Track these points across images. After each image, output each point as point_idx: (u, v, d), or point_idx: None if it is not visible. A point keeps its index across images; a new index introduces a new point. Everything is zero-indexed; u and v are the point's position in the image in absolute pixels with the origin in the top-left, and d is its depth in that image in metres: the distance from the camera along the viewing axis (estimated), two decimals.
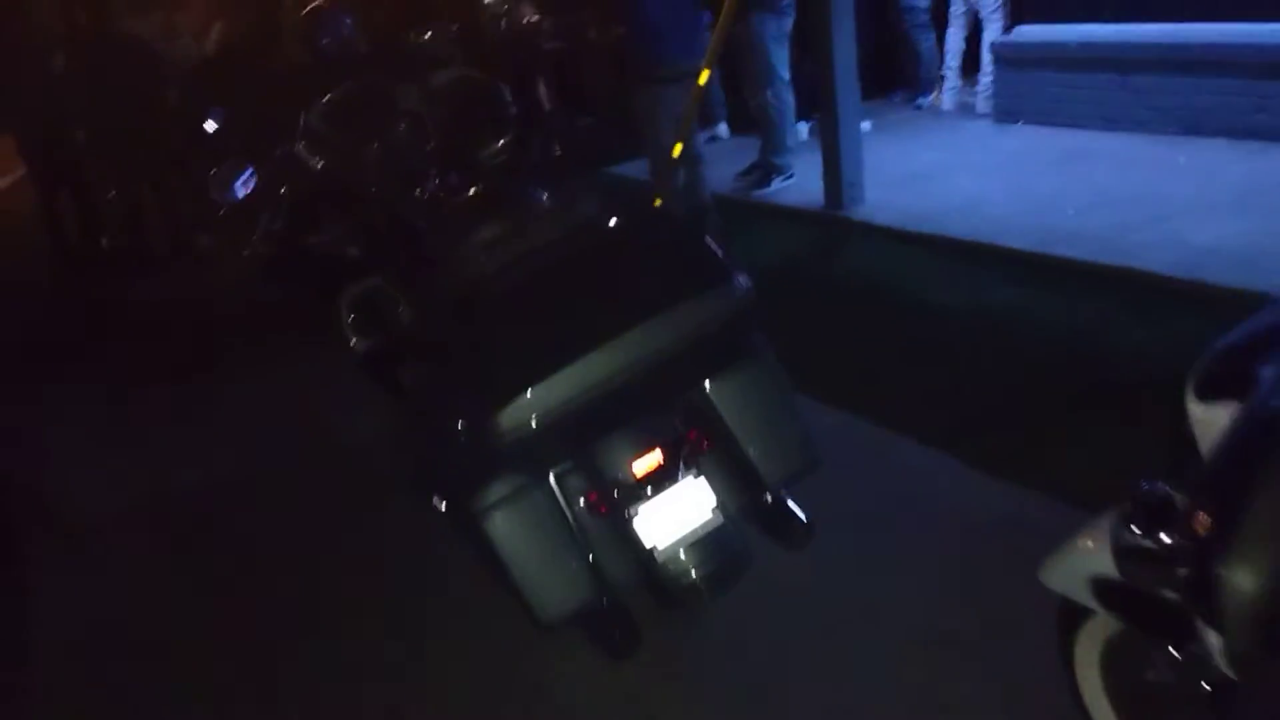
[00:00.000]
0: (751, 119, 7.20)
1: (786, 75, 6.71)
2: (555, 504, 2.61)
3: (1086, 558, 1.83)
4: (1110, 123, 6.91)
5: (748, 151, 7.33)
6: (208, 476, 4.51)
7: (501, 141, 3.72)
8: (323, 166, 3.64)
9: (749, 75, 6.73)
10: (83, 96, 7.46)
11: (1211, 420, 1.42)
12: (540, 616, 2.54)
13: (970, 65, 8.20)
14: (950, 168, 6.79)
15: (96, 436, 5.17)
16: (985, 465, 3.57)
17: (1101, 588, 1.79)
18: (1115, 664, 2.04)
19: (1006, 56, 7.59)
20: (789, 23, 6.62)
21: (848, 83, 6.10)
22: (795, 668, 2.85)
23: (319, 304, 3.70)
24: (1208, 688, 1.69)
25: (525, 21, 8.36)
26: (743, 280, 2.52)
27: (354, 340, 3.40)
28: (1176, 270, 4.61)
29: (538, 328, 2.44)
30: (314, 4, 5.68)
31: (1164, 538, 1.35)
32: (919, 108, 8.55)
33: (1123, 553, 1.42)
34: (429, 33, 5.18)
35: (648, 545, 2.56)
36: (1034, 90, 7.41)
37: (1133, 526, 1.38)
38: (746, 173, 7.16)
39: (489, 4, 8.35)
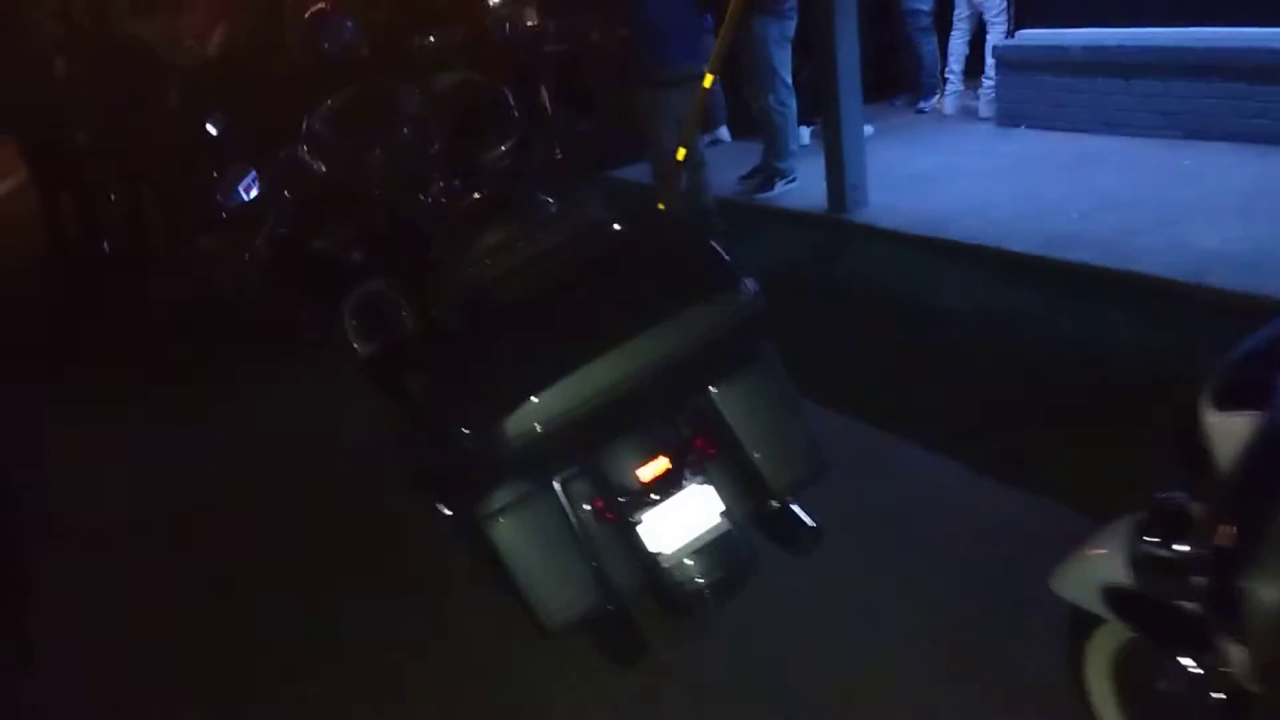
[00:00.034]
0: (753, 122, 7.19)
1: (789, 79, 6.70)
2: (560, 510, 2.59)
3: (1098, 566, 1.81)
4: (1113, 127, 6.91)
5: (749, 155, 7.32)
6: (208, 479, 4.50)
7: (505, 145, 3.70)
8: (326, 170, 3.62)
9: (751, 79, 6.71)
10: (83, 99, 7.46)
11: (1229, 430, 1.40)
12: (546, 622, 2.53)
13: (972, 69, 8.19)
14: (953, 171, 6.78)
15: (97, 438, 5.16)
16: (990, 470, 3.56)
17: (1114, 596, 1.78)
18: (1126, 673, 2.02)
19: (1009, 60, 7.58)
20: (791, 26, 6.61)
21: (850, 86, 6.09)
22: (801, 673, 2.83)
23: (321, 308, 3.68)
24: (1221, 697, 1.67)
25: (527, 25, 8.36)
26: (750, 285, 2.51)
27: (357, 344, 3.39)
28: (1182, 274, 4.60)
29: (544, 333, 2.42)
30: (316, 7, 5.65)
31: (1180, 548, 1.34)
32: (921, 112, 8.54)
33: (1139, 562, 1.41)
34: (432, 36, 5.17)
35: (653, 551, 2.54)
36: (1037, 94, 7.41)
37: (1149, 536, 1.37)
38: (749, 176, 7.16)
39: (493, 6, 8.34)
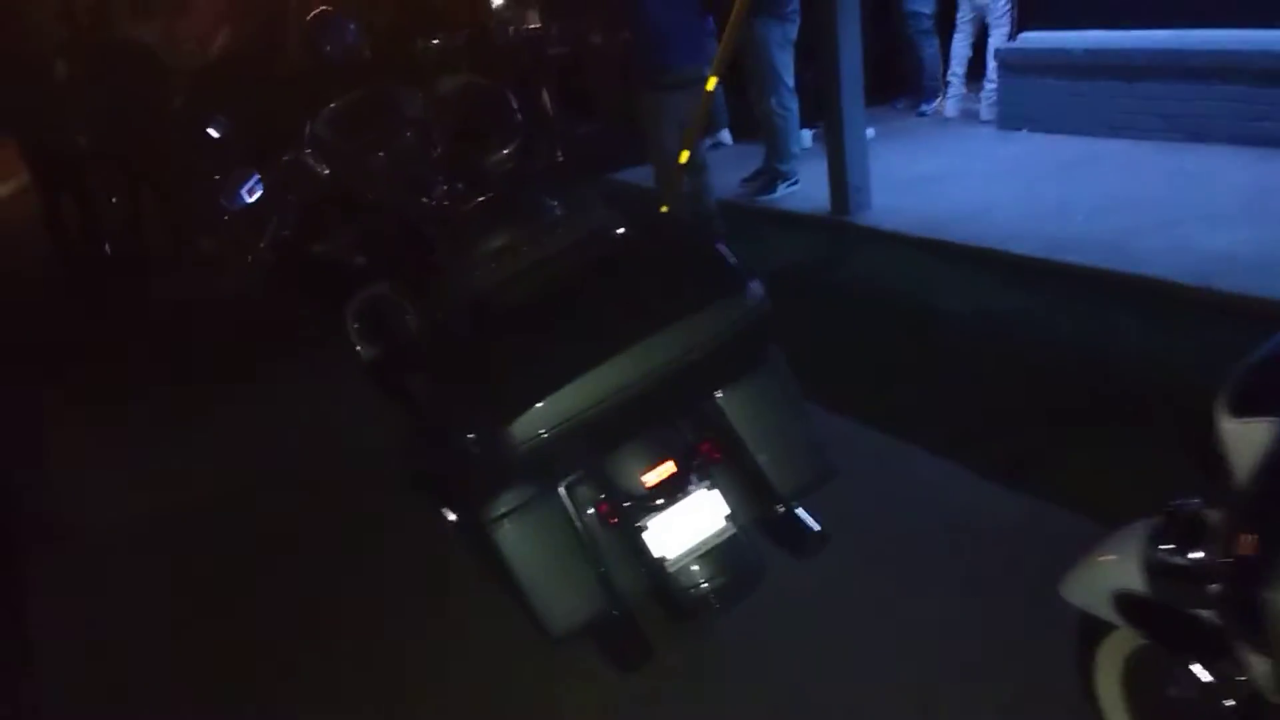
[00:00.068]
0: (755, 125, 7.18)
1: (791, 81, 6.69)
2: (566, 514, 2.58)
3: (1110, 573, 1.80)
4: (1115, 129, 6.90)
5: (751, 158, 7.32)
6: (208, 479, 4.50)
7: (508, 148, 3.69)
8: (328, 173, 3.61)
9: (754, 81, 6.71)
10: (84, 101, 7.45)
11: (1246, 436, 1.39)
12: (551, 628, 2.51)
13: (974, 72, 8.18)
14: (956, 174, 6.77)
15: (97, 439, 5.15)
16: (995, 474, 3.55)
17: (1125, 603, 1.76)
18: (1137, 679, 2.01)
19: (1011, 63, 7.58)
20: (793, 29, 6.60)
21: (853, 88, 6.09)
22: (806, 677, 2.82)
23: (324, 311, 3.68)
24: (1232, 704, 1.66)
25: (529, 27, 8.36)
26: (757, 289, 2.49)
27: (359, 347, 3.39)
28: (1186, 277, 4.59)
29: (549, 337, 2.41)
30: (318, 10, 5.64)
31: (1196, 555, 1.33)
32: (923, 114, 8.54)
33: (1153, 569, 1.40)
34: (435, 39, 5.16)
35: (658, 556, 2.53)
36: (1039, 97, 7.41)
37: (1164, 544, 1.35)
38: (751, 179, 7.15)
39: (497, 9, 8.34)
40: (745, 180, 7.19)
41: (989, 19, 7.75)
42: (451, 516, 2.85)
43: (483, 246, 2.83)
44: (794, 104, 6.76)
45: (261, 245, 3.67)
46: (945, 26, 8.25)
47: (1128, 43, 6.77)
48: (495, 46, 8.15)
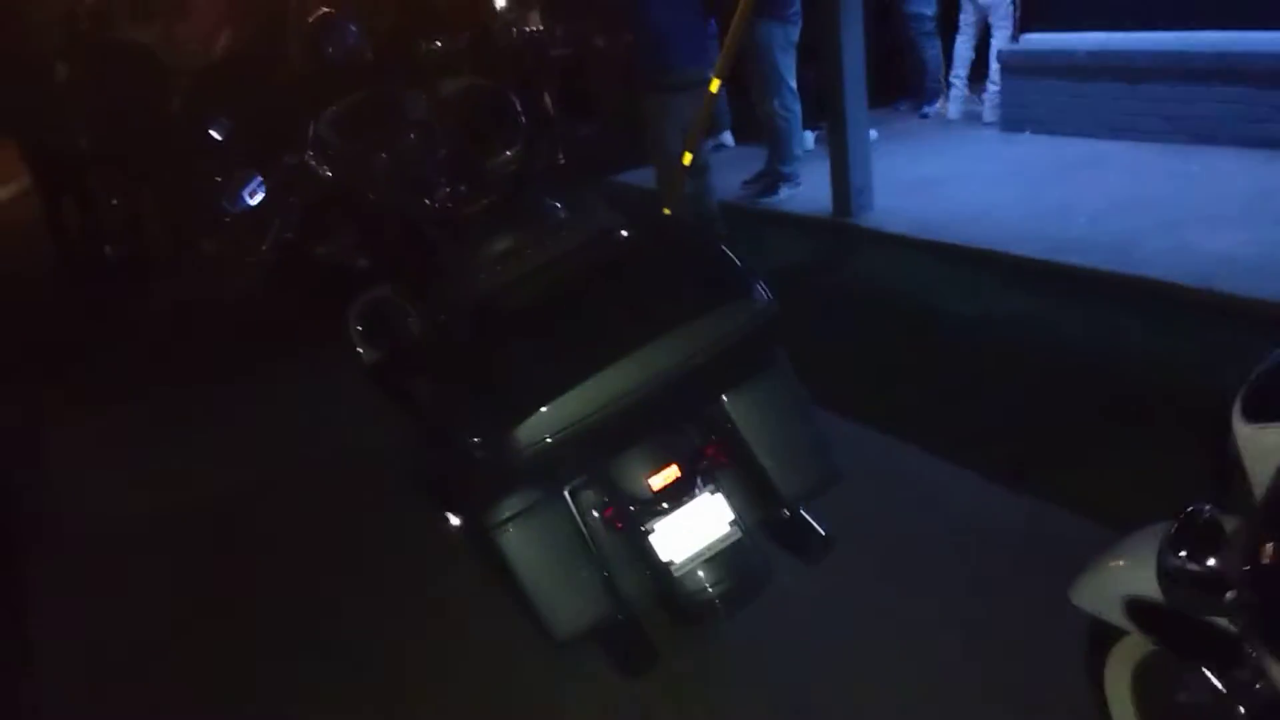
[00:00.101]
0: (757, 127, 7.17)
1: (794, 83, 6.68)
2: (570, 519, 2.56)
3: (1120, 578, 1.79)
4: (1118, 132, 6.89)
5: (753, 160, 7.31)
6: (208, 482, 4.49)
7: (511, 151, 3.68)
8: (331, 175, 3.60)
9: (756, 83, 6.69)
10: (85, 103, 7.44)
11: (1263, 442, 1.37)
12: (555, 632, 2.50)
13: (976, 73, 8.17)
14: (959, 176, 6.76)
15: (97, 440, 5.15)
16: (999, 477, 3.54)
17: (1136, 609, 1.75)
18: (1146, 685, 1.99)
19: (1014, 65, 7.56)
20: (796, 31, 6.59)
21: (856, 90, 6.08)
22: (811, 680, 2.81)
23: (326, 313, 3.66)
24: (1244, 711, 1.64)
25: (530, 29, 8.34)
26: (764, 291, 2.48)
27: (362, 350, 3.37)
28: (1189, 279, 4.58)
29: (554, 341, 2.40)
30: (320, 12, 5.63)
31: (1212, 562, 1.31)
32: (924, 116, 8.52)
33: (1169, 576, 1.38)
34: (439, 41, 5.14)
35: (664, 560, 2.51)
36: (1041, 99, 7.39)
37: (1179, 550, 1.34)
38: (753, 181, 7.14)
39: (500, 11, 8.32)
40: (747, 182, 7.17)
41: (992, 20, 7.73)
42: (455, 520, 2.84)
43: (487, 249, 2.82)
44: (796, 106, 6.75)
45: (263, 247, 3.66)
46: (946, 28, 8.23)
47: (1130, 44, 6.76)
48: (498, 48, 8.13)
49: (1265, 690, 1.48)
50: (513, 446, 2.25)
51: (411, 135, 3.67)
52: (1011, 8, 7.56)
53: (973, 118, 8.13)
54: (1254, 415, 1.42)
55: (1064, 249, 5.18)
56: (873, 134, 6.70)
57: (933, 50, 8.38)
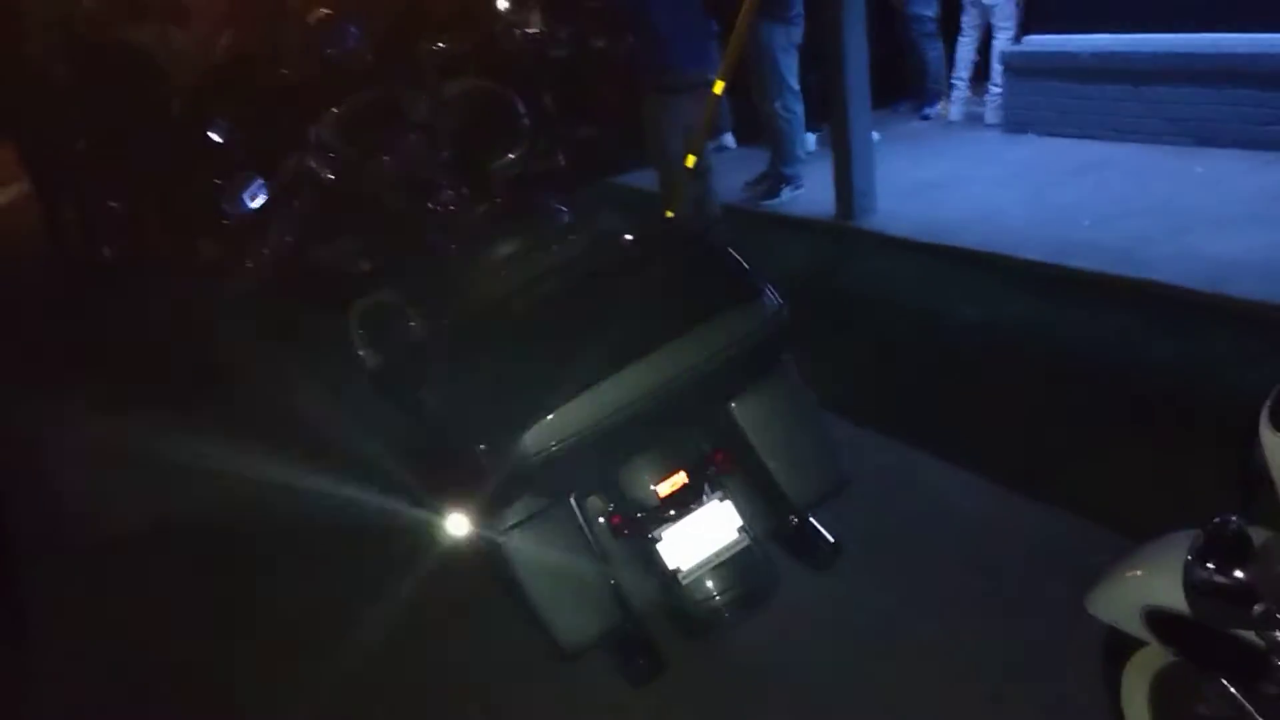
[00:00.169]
0: (758, 128, 7.14)
1: (796, 85, 6.66)
2: (577, 526, 2.54)
3: (1139, 588, 1.76)
4: (1122, 133, 6.85)
5: (754, 162, 7.28)
6: (208, 483, 4.45)
7: (514, 153, 3.65)
8: (333, 179, 3.58)
9: (758, 85, 6.67)
10: (84, 106, 7.42)
11: None
12: (563, 642, 2.47)
13: (977, 75, 8.14)
14: (962, 178, 6.73)
15: (97, 442, 5.11)
16: (1006, 482, 3.51)
17: (1156, 619, 1.72)
18: (1164, 697, 1.96)
19: (1016, 66, 7.53)
20: (798, 32, 6.57)
21: (859, 91, 6.05)
22: (819, 692, 2.78)
23: (328, 316, 3.64)
24: None
25: (531, 31, 8.31)
26: (773, 296, 2.44)
27: (363, 353, 3.34)
28: (1198, 283, 4.54)
29: (561, 346, 2.36)
30: (320, 14, 5.61)
31: (1240, 574, 1.28)
32: (926, 118, 8.48)
33: (1196, 587, 1.35)
34: (441, 43, 5.12)
35: (671, 568, 2.49)
36: (1044, 100, 7.36)
37: (1207, 562, 1.31)
38: (755, 183, 7.11)
39: (504, 12, 8.30)
40: (749, 184, 7.15)
41: (994, 21, 7.70)
42: (460, 527, 2.81)
43: (491, 253, 2.79)
44: (799, 107, 6.73)
45: (265, 250, 3.64)
46: (949, 30, 8.20)
47: (1134, 46, 6.73)
48: (501, 50, 8.10)
49: None
50: (519, 454, 2.23)
51: (413, 137, 3.65)
52: (1014, 9, 7.53)
53: (974, 119, 8.09)
54: None
55: (1069, 252, 5.14)
56: (875, 136, 6.68)
57: (934, 52, 8.34)
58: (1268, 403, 1.41)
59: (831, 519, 2.78)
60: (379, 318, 3.28)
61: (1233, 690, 1.67)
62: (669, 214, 5.65)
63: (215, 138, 4.46)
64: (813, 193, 6.73)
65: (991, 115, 7.87)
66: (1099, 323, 4.56)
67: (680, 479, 2.50)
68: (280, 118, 4.63)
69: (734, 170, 7.27)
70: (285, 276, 4.18)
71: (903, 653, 2.85)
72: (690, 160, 5.65)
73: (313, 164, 3.65)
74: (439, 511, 2.98)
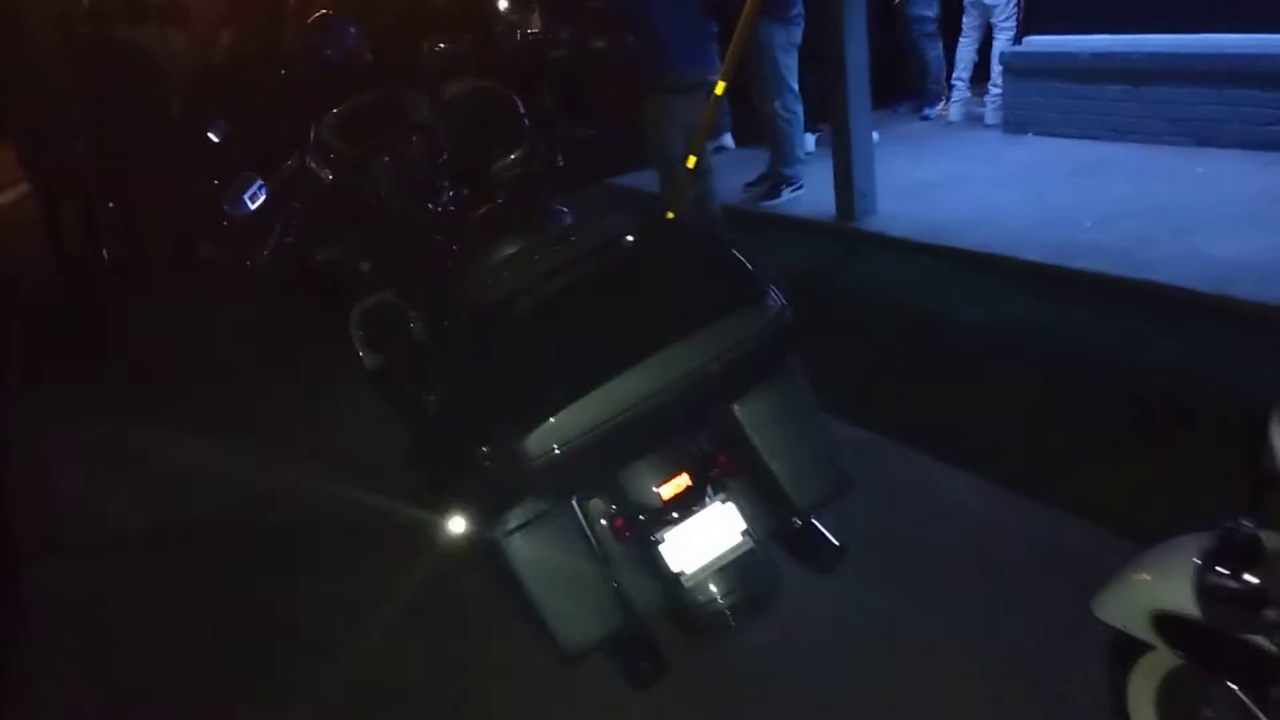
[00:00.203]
0: (757, 129, 7.13)
1: (795, 85, 6.65)
2: (579, 528, 2.53)
3: (1147, 592, 1.75)
4: (1122, 134, 6.86)
5: (754, 162, 7.28)
6: (208, 484, 4.45)
7: (515, 154, 3.64)
8: (333, 179, 3.57)
9: (758, 85, 6.66)
10: (82, 107, 7.41)
11: None
12: (565, 645, 2.46)
13: (977, 76, 8.13)
14: (963, 179, 6.72)
15: (96, 444, 5.11)
16: (1011, 484, 3.50)
17: (1165, 623, 1.71)
18: (1171, 700, 1.95)
19: (1016, 67, 7.53)
20: (798, 32, 6.56)
21: (860, 92, 6.04)
22: (823, 696, 2.77)
23: (328, 317, 3.63)
24: None
25: (531, 31, 8.31)
26: (777, 296, 2.43)
27: (364, 354, 3.33)
28: (1200, 284, 4.53)
29: (563, 348, 2.35)
30: (319, 13, 5.59)
31: (1252, 579, 1.27)
32: (925, 118, 8.49)
33: (1208, 592, 1.34)
34: (442, 43, 5.10)
35: (674, 571, 2.48)
36: (1044, 101, 7.36)
37: (1219, 566, 1.30)
38: (755, 183, 7.10)
39: (504, 12, 8.29)
40: (749, 185, 7.14)
41: (994, 22, 7.70)
42: (461, 529, 2.80)
43: (492, 254, 2.78)
44: (799, 108, 6.72)
45: (265, 251, 3.63)
46: (949, 30, 8.20)
47: (1133, 46, 6.73)
48: (501, 50, 8.10)
49: None
50: (521, 457, 2.21)
51: (414, 138, 3.64)
52: (1014, 10, 7.53)
53: (974, 120, 8.09)
54: None
55: (1071, 253, 5.14)
56: (875, 136, 6.67)
57: (934, 52, 8.35)
58: (1276, 406, 1.40)
59: (832, 519, 2.76)
60: (379, 318, 3.26)
61: (1241, 694, 1.66)
62: (669, 214, 5.63)
63: (214, 138, 4.43)
64: (812, 193, 6.72)
65: (991, 116, 7.88)
66: (1100, 323, 4.55)
67: (683, 481, 2.49)
68: (280, 118, 4.61)
69: (733, 171, 7.27)
70: (285, 277, 4.17)
71: (903, 654, 2.84)
72: (691, 161, 5.64)
73: (313, 164, 3.64)
74: (439, 512, 2.97)
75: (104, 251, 8.11)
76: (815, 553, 2.75)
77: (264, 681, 3.20)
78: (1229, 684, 1.68)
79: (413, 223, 3.40)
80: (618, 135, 7.68)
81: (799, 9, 6.49)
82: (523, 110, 3.78)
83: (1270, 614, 1.27)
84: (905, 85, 8.65)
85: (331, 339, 3.55)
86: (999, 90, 7.75)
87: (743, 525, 2.51)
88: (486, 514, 2.50)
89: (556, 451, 2.21)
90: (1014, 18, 7.57)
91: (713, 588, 2.49)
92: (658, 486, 2.48)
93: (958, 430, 3.88)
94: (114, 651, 3.49)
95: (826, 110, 6.50)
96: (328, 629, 3.38)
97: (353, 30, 5.50)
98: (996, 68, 7.75)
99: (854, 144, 6.09)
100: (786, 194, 6.89)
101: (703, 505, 2.49)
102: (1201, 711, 1.83)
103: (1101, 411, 3.85)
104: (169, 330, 6.77)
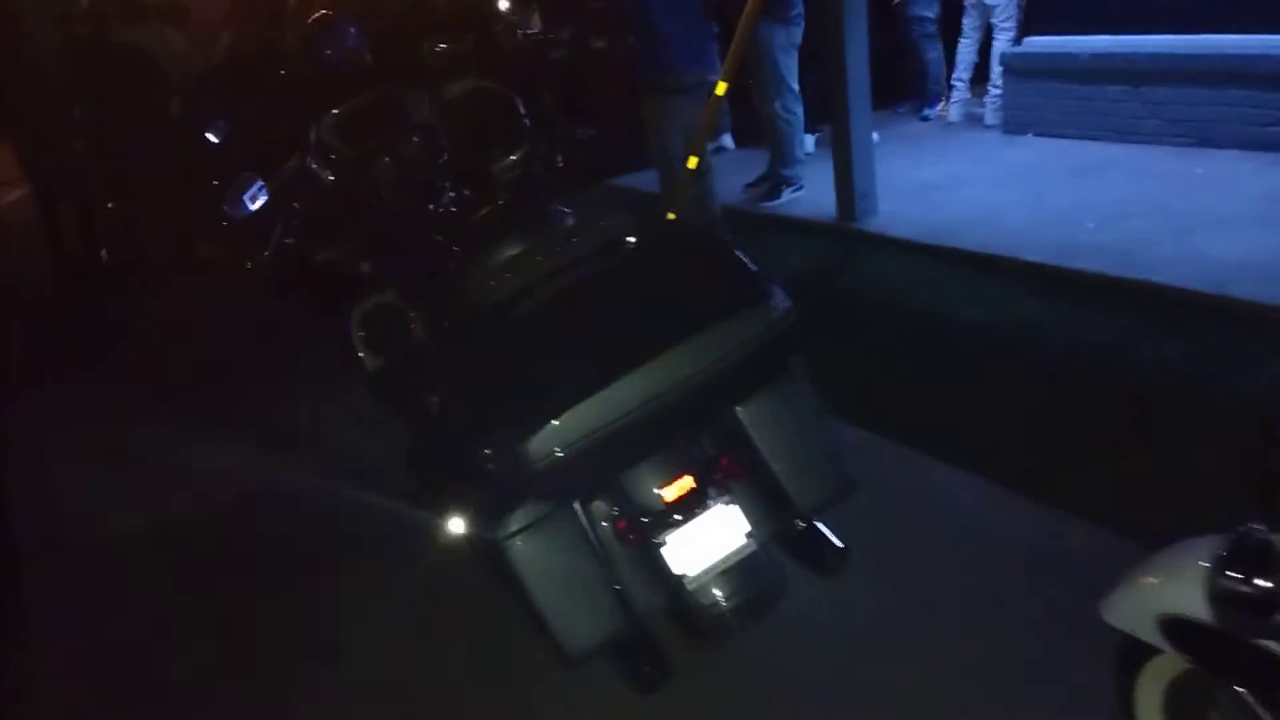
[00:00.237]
0: (757, 130, 7.13)
1: (796, 86, 6.64)
2: (581, 531, 2.52)
3: (1156, 596, 1.74)
4: (1122, 134, 6.85)
5: (754, 163, 7.27)
6: (208, 485, 4.45)
7: (515, 154, 3.63)
8: (334, 180, 3.55)
9: (758, 86, 6.65)
10: (82, 107, 7.40)
11: None
12: (568, 649, 2.45)
13: (977, 76, 8.13)
14: (963, 180, 6.71)
15: (95, 444, 5.10)
16: (1010, 485, 3.50)
17: (1173, 627, 1.70)
18: (1179, 705, 1.94)
19: (1016, 67, 7.52)
20: (798, 33, 6.55)
21: (860, 92, 6.03)
22: (827, 699, 2.76)
23: (329, 318, 3.62)
24: None
25: (531, 31, 8.30)
26: (781, 297, 2.42)
27: (364, 356, 3.32)
28: (1202, 285, 4.52)
29: (565, 350, 2.34)
30: (318, 13, 5.57)
31: (1265, 583, 1.26)
32: (925, 119, 8.48)
33: (1220, 596, 1.33)
34: (443, 43, 5.09)
35: (677, 574, 2.46)
36: (1044, 101, 7.35)
37: (1232, 570, 1.29)
38: (755, 184, 7.09)
39: (504, 12, 8.28)
40: (749, 186, 7.13)
41: (994, 21, 7.69)
42: (463, 532, 2.79)
43: (493, 256, 2.77)
44: (799, 108, 6.71)
45: (265, 252, 3.61)
46: (949, 31, 8.19)
47: (1135, 47, 6.72)
48: (501, 50, 8.09)
49: None
50: (524, 460, 2.19)
51: (415, 138, 3.63)
52: (1015, 10, 7.52)
53: (974, 120, 8.08)
54: None
55: (1072, 254, 5.13)
56: (875, 137, 6.66)
57: (934, 53, 8.34)
58: None
59: (833, 520, 2.76)
60: (380, 320, 3.25)
61: (1249, 699, 1.65)
62: (670, 215, 5.63)
63: (214, 138, 4.42)
64: (813, 194, 6.71)
65: (991, 116, 7.87)
66: (1100, 324, 4.54)
67: (686, 483, 2.47)
68: (280, 118, 4.60)
69: (733, 172, 7.26)
70: (285, 277, 4.16)
71: (904, 654, 2.84)
72: (692, 161, 5.63)
73: (313, 164, 3.62)
74: (439, 514, 2.96)
75: (104, 251, 8.11)
76: (818, 554, 2.74)
77: (264, 681, 3.20)
78: (1237, 689, 1.67)
79: (413, 223, 3.39)
80: (618, 136, 7.67)
81: (799, 9, 6.48)
82: (523, 110, 3.76)
83: None
84: (905, 85, 8.63)
85: (331, 339, 3.54)
86: (999, 91, 7.74)
87: (746, 527, 2.50)
88: (488, 517, 2.49)
89: (559, 454, 2.20)
90: (1014, 18, 7.56)
91: (716, 590, 2.48)
92: (660, 489, 2.47)
93: (958, 430, 3.87)
94: (114, 651, 3.49)
95: (826, 111, 6.48)
96: (328, 629, 3.38)
97: (353, 30, 5.48)
98: (996, 68, 7.73)
99: (854, 144, 6.09)
100: (786, 195, 6.88)
101: (706, 507, 2.47)
102: (1209, 716, 1.83)
103: (1101, 412, 3.85)
104: (169, 330, 6.78)
